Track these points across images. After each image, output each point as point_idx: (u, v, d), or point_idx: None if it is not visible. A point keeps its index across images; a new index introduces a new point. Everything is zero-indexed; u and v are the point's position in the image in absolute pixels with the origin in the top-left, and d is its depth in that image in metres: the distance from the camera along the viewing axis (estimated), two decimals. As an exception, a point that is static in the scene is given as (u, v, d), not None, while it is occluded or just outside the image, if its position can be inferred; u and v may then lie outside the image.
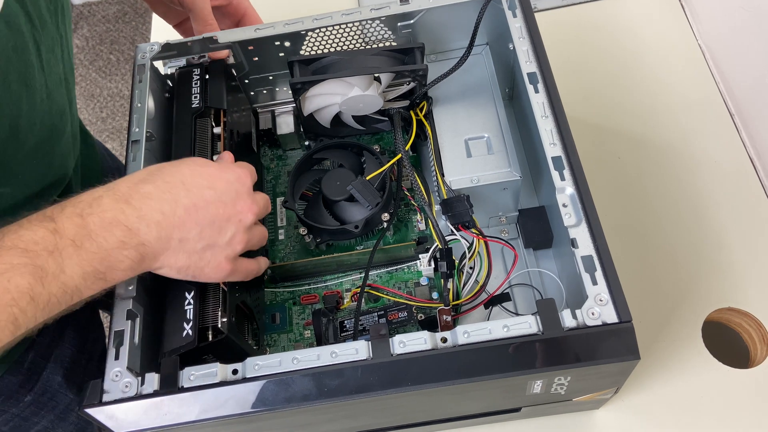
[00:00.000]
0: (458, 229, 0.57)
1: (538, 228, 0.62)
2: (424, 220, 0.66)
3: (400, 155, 0.61)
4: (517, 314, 0.61)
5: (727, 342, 0.67)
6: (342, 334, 0.59)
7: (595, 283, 0.46)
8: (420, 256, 0.61)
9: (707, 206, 0.72)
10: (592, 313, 0.44)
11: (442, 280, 0.58)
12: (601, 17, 0.87)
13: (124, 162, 0.56)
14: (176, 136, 0.59)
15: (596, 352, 0.44)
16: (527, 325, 0.44)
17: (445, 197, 0.58)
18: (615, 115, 0.79)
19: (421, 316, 0.59)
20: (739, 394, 0.61)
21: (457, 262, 0.58)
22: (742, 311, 0.65)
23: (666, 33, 0.85)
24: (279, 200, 0.69)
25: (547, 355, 0.44)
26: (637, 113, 0.79)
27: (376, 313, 0.59)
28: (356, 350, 0.45)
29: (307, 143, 0.71)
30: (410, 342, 0.45)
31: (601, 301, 0.45)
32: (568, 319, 0.44)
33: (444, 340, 0.45)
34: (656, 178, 0.74)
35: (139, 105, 0.58)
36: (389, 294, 0.62)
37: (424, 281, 0.63)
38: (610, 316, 0.44)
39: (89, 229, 0.42)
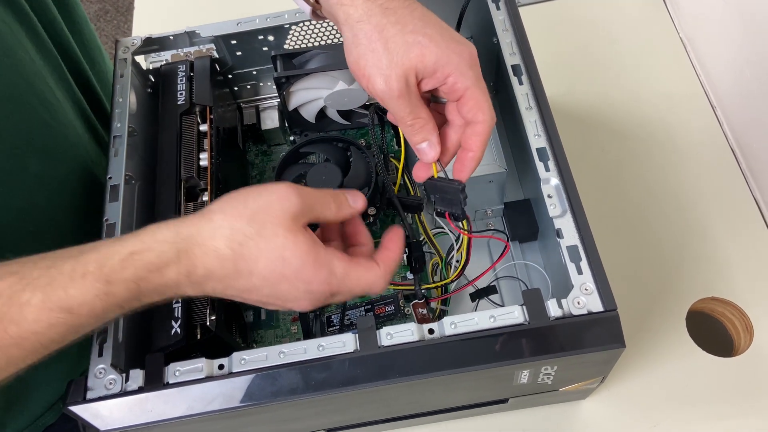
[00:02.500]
0: (443, 216, 0.55)
1: (523, 221, 0.62)
2: (411, 215, 0.65)
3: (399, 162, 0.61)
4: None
5: (711, 331, 0.67)
6: (329, 329, 0.58)
7: (580, 272, 0.46)
8: (406, 249, 0.61)
9: (690, 197, 0.72)
10: (578, 303, 0.45)
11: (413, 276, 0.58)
12: (583, 11, 0.88)
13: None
14: (162, 135, 0.58)
15: (582, 340, 0.44)
16: (514, 315, 0.45)
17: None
18: (598, 108, 0.80)
19: (408, 311, 0.59)
20: (724, 382, 0.62)
21: (444, 254, 0.58)
22: (725, 300, 0.66)
23: (648, 26, 0.86)
24: (264, 196, 0.69)
25: (533, 344, 0.44)
26: (620, 105, 0.80)
27: (362, 308, 0.59)
28: (343, 343, 0.44)
29: (292, 138, 0.71)
30: (397, 334, 0.44)
31: (586, 290, 0.45)
32: (553, 309, 0.44)
33: (431, 331, 0.45)
34: (639, 169, 0.75)
35: (120, 100, 0.57)
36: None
37: (410, 275, 0.63)
38: (596, 305, 0.44)
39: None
